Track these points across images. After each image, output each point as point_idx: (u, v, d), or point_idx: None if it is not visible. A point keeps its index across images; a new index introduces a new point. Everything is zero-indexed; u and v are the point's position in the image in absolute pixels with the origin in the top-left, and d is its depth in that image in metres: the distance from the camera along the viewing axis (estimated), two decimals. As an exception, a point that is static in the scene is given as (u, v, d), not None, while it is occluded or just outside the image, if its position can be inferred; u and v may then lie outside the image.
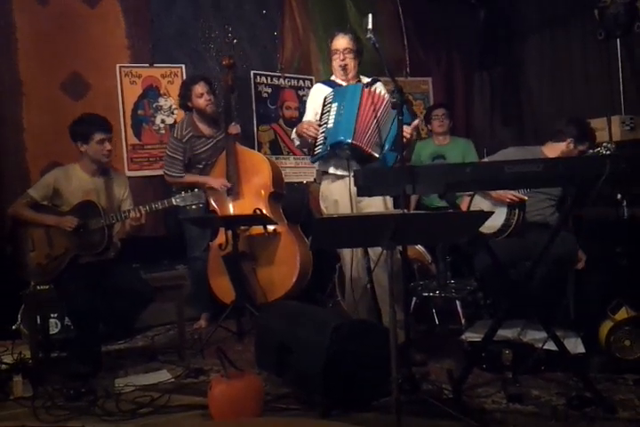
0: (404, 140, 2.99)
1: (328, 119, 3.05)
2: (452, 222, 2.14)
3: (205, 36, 4.84)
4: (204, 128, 4.06)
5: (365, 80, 3.28)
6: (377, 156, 3.02)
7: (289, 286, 3.74)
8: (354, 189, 3.09)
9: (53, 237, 3.18)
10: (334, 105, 3.06)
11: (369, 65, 3.54)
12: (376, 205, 3.13)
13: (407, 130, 3.03)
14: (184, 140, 3.98)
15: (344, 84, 3.26)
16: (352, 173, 2.96)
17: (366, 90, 3.06)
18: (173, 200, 3.18)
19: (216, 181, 3.93)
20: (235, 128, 4.00)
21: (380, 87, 3.22)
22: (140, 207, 3.15)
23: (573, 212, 2.63)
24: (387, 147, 3.03)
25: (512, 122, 5.75)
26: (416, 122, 3.20)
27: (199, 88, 3.96)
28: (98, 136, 3.21)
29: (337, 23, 5.18)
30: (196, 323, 4.06)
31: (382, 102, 3.04)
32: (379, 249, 3.03)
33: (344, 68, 3.22)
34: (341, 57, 3.21)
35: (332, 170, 3.19)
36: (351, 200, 3.05)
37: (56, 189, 3.22)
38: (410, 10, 5.62)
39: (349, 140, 2.96)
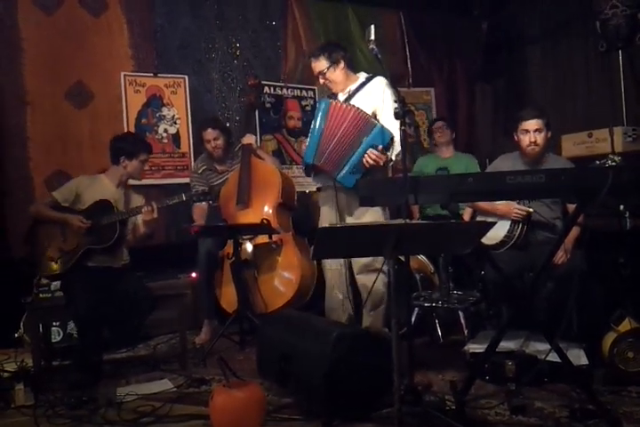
0: (366, 165, 3.01)
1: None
2: (455, 233, 2.14)
3: (209, 47, 4.89)
4: (217, 165, 4.21)
5: (363, 76, 3.29)
6: (334, 176, 3.08)
7: (288, 297, 3.72)
8: (341, 197, 3.17)
9: (67, 233, 3.27)
10: (312, 122, 3.17)
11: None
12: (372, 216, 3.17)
13: (370, 155, 2.99)
14: (199, 172, 4.21)
15: (340, 94, 3.31)
16: (335, 184, 3.13)
17: (334, 104, 3.10)
18: (184, 196, 3.36)
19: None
20: (248, 138, 4.07)
21: (377, 84, 3.20)
22: (153, 202, 3.29)
23: (576, 223, 2.62)
24: (345, 169, 3.03)
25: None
26: (389, 153, 3.07)
27: (208, 135, 4.10)
28: (143, 156, 3.43)
29: (339, 34, 5.23)
30: (197, 337, 3.88)
31: (349, 116, 3.03)
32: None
33: (329, 86, 3.31)
34: (321, 81, 3.29)
35: (320, 183, 3.36)
36: (338, 209, 3.20)
37: (78, 194, 3.33)
38: (412, 20, 5.67)
39: (311, 162, 3.13)
